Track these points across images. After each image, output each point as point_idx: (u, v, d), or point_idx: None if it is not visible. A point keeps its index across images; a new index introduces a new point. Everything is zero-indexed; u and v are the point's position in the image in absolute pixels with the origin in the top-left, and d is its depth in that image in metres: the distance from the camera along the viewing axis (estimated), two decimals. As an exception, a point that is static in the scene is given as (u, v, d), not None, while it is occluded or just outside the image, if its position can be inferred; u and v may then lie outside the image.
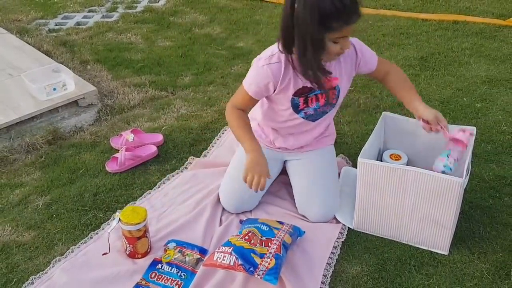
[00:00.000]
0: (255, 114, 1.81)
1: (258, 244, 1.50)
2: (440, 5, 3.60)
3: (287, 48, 1.50)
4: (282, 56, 1.55)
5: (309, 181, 1.78)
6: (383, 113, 1.83)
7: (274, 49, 1.57)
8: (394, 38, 3.15)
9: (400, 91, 1.73)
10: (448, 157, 1.56)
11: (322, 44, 1.43)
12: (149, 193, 1.92)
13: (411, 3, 3.65)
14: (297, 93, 1.62)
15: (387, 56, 2.92)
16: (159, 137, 2.24)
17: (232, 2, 3.91)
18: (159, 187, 1.96)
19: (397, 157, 1.80)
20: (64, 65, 2.74)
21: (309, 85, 1.60)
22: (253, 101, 1.65)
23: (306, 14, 1.36)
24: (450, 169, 1.54)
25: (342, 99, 1.72)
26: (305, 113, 1.68)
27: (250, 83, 1.61)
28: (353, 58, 1.67)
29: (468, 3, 3.60)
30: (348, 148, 2.14)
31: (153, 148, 2.15)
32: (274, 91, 1.60)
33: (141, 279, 1.54)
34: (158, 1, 4.02)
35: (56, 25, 3.63)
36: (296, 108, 1.66)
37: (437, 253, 1.61)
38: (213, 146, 2.21)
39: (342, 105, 2.44)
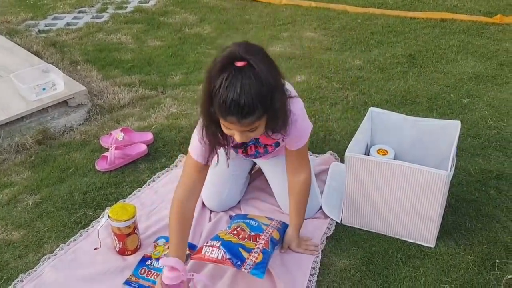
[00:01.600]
0: None
1: (246, 239, 1.51)
2: (428, 3, 3.64)
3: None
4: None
5: (285, 180, 1.71)
6: (370, 108, 1.85)
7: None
8: (383, 36, 3.18)
9: (291, 201, 1.63)
10: None
11: (212, 119, 1.32)
12: (139, 191, 1.93)
13: (399, 2, 3.69)
14: (235, 146, 1.57)
15: (376, 53, 2.95)
16: (149, 136, 2.24)
17: (222, 1, 3.92)
18: (149, 185, 1.97)
19: (384, 152, 1.82)
20: (54, 65, 2.74)
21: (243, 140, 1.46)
22: (200, 169, 1.49)
23: (205, 86, 1.28)
24: None
25: (283, 147, 1.61)
26: (246, 156, 1.67)
27: (194, 151, 1.49)
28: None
29: (455, 1, 3.65)
30: (337, 145, 2.16)
31: (143, 147, 2.16)
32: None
33: (130, 275, 1.55)
34: (148, 1, 4.03)
35: (46, 26, 3.63)
36: (237, 153, 1.65)
37: (423, 245, 1.63)
38: (202, 144, 2.21)
39: (331, 102, 2.48)
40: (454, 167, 1.65)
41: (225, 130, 1.33)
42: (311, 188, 1.75)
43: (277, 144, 1.61)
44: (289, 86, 1.45)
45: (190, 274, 1.41)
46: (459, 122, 1.72)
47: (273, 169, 1.82)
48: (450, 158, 1.55)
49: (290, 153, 1.56)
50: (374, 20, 3.41)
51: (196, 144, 1.46)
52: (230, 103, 1.19)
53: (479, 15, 3.38)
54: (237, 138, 1.31)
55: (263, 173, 1.93)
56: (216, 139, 1.40)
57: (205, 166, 1.49)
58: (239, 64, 1.20)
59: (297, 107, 1.45)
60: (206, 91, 1.26)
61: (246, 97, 1.19)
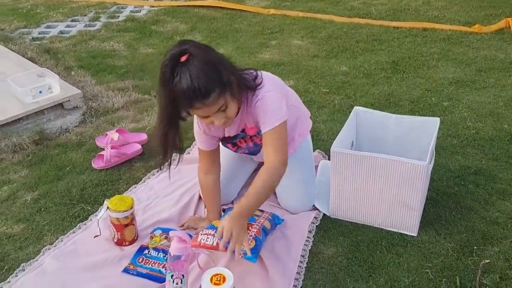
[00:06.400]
0: None
1: (239, 228, 1.59)
2: (411, 14, 3.79)
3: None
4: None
5: (286, 176, 1.84)
6: (355, 107, 1.95)
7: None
8: (367, 44, 3.31)
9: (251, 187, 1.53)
10: (172, 278, 1.42)
11: (175, 119, 1.47)
12: (135, 187, 2.00)
13: (383, 12, 3.84)
14: (223, 140, 1.73)
15: (361, 60, 3.07)
16: (144, 136, 2.32)
17: (212, 11, 4.04)
18: (144, 182, 2.04)
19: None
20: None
21: (231, 134, 1.68)
22: (209, 153, 1.72)
23: (163, 93, 1.42)
24: None
25: None
26: (240, 151, 1.80)
27: (197, 141, 1.72)
28: (253, 109, 1.57)
29: (436, 12, 3.81)
30: (324, 144, 2.26)
31: (138, 146, 2.23)
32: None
33: (129, 263, 1.61)
34: (140, 11, 4.13)
35: (39, 34, 3.71)
36: (229, 150, 1.80)
37: (406, 234, 1.73)
38: (195, 144, 2.30)
39: (318, 106, 2.59)
40: (433, 160, 1.75)
41: (202, 122, 1.52)
42: (307, 187, 1.84)
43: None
44: (266, 77, 1.57)
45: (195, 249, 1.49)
46: (438, 119, 1.83)
47: None
48: (429, 151, 1.65)
49: (264, 137, 1.53)
50: (359, 29, 3.55)
51: (196, 133, 1.70)
52: (189, 91, 1.35)
53: (459, 25, 3.54)
54: (216, 122, 1.47)
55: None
56: (174, 143, 1.54)
57: (211, 150, 1.72)
58: (183, 58, 1.36)
59: (264, 90, 1.53)
60: (166, 96, 1.40)
61: (198, 80, 1.35)
